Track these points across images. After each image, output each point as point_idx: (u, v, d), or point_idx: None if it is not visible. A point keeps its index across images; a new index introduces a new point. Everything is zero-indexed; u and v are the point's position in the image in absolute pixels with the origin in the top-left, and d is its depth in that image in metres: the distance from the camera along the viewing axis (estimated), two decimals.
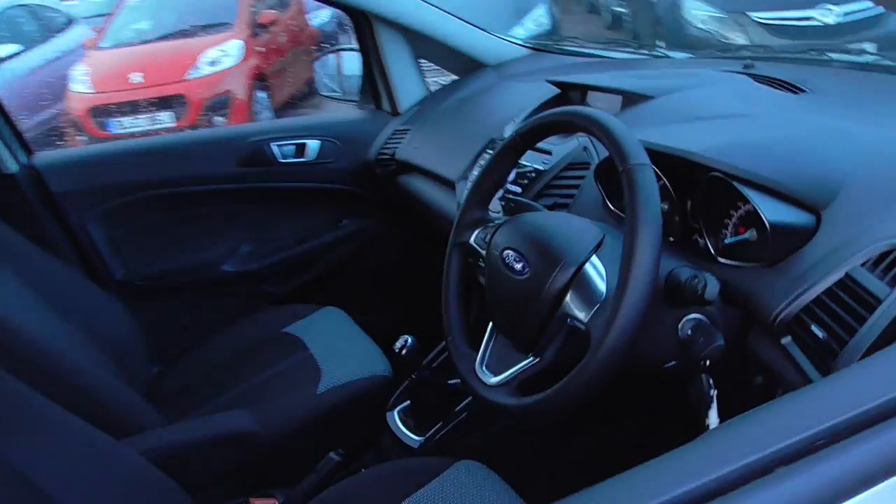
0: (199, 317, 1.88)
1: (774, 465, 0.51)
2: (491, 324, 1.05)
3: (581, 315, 0.88)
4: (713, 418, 0.91)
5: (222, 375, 1.60)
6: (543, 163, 1.31)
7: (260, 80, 6.39)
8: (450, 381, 1.50)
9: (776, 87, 1.37)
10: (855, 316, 0.83)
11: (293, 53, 7.33)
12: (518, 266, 0.96)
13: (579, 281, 0.90)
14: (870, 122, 1.13)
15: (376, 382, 1.47)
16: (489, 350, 1.03)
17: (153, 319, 1.75)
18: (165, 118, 5.89)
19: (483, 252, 1.08)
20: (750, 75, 1.42)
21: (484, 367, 1.02)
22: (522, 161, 1.26)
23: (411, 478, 1.17)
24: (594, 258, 0.91)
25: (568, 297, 0.90)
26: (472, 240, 1.11)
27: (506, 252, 0.99)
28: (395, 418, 1.48)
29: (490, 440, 1.43)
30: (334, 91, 2.61)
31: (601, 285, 0.89)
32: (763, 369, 0.95)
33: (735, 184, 0.96)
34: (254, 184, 1.89)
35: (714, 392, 0.90)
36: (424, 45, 1.99)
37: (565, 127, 0.99)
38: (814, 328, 0.86)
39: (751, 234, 1.02)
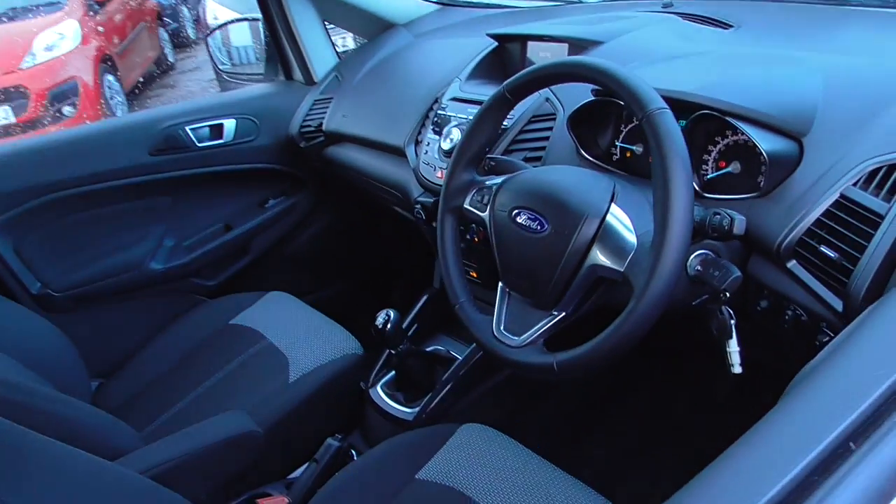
0: (133, 322, 1.73)
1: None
2: (501, 285, 1.04)
3: (613, 265, 0.88)
4: (734, 346, 0.94)
5: (176, 379, 1.49)
6: (507, 118, 1.29)
7: (106, 62, 5.89)
8: (427, 349, 1.48)
9: (704, 24, 1.42)
10: (860, 233, 0.89)
11: (136, 31, 6.82)
12: (534, 225, 0.95)
13: (604, 231, 0.90)
14: (810, 50, 1.20)
15: (350, 361, 1.42)
16: (504, 312, 1.02)
17: (82, 332, 1.59)
18: (3, 113, 5.30)
19: (482, 215, 1.05)
20: (674, 14, 1.47)
21: (503, 330, 1.00)
22: None
23: (421, 448, 1.16)
24: (613, 207, 0.92)
25: (594, 249, 0.90)
26: (466, 203, 1.08)
27: (516, 212, 0.98)
28: (380, 394, 1.44)
29: (477, 403, 1.43)
30: (224, 64, 2.46)
31: (629, 233, 0.89)
32: (768, 294, 1.00)
33: (730, 119, 0.99)
34: (170, 172, 1.75)
35: (734, 322, 0.94)
36: (331, 9, 1.90)
37: (564, 79, 0.97)
38: (823, 249, 0.91)
39: (734, 167, 1.06)
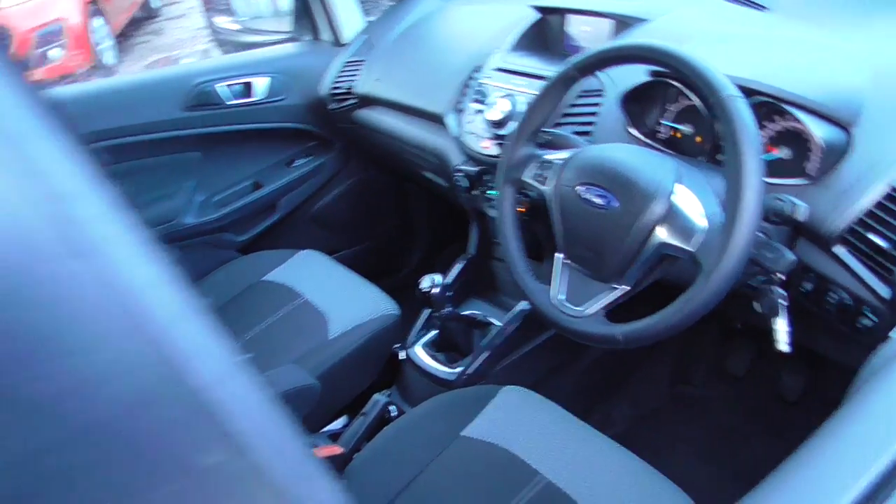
0: None
1: None
2: (559, 256, 1.08)
3: (681, 244, 0.93)
4: (782, 325, 1.00)
5: None
6: None
7: (93, 3, 5.72)
8: (464, 314, 1.52)
9: (739, 4, 1.45)
10: None
11: None
12: (600, 201, 0.99)
13: (671, 212, 0.95)
14: (849, 38, 1.24)
15: (388, 321, 1.47)
16: (563, 282, 1.07)
17: None
18: None
19: (542, 188, 1.09)
20: None
21: (562, 300, 1.05)
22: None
23: (464, 407, 1.21)
24: (679, 187, 0.96)
25: (661, 228, 0.95)
26: (526, 177, 1.12)
27: (581, 187, 1.02)
28: (420, 355, 1.48)
29: (513, 366, 1.49)
30: (244, 18, 2.44)
31: (696, 214, 0.94)
32: (813, 276, 1.06)
33: (787, 107, 1.03)
34: (202, 128, 1.76)
35: (785, 303, 0.99)
36: None
37: (635, 61, 1.01)
38: (874, 237, 0.96)
39: (783, 153, 1.11)
